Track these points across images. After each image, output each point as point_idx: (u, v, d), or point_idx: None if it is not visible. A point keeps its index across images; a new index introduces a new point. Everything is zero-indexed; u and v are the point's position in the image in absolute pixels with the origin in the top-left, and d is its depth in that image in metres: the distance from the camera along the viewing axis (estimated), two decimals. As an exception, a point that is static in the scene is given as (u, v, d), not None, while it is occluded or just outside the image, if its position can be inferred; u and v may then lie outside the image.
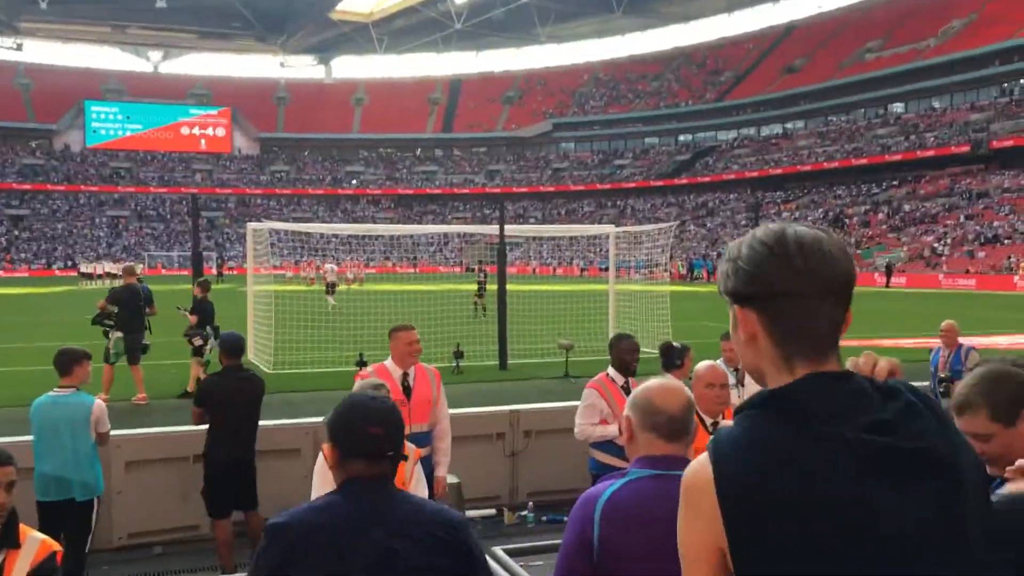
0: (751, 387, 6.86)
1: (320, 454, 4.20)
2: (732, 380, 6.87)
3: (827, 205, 72.09)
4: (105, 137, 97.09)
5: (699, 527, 1.45)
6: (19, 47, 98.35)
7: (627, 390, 6.09)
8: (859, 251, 60.43)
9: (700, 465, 1.47)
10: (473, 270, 57.89)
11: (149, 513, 6.98)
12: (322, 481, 4.12)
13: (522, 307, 19.64)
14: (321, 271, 27.69)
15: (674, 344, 7.23)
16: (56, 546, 3.22)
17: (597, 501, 2.42)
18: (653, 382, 2.61)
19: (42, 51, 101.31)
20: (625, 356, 6.14)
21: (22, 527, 3.21)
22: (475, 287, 27.31)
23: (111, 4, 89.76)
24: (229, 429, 6.31)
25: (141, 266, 46.65)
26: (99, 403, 5.80)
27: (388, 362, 5.74)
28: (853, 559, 1.31)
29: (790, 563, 1.33)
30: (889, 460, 1.34)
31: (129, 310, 12.44)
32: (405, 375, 5.67)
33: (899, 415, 1.38)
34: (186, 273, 14.71)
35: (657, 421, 2.47)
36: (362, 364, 14.54)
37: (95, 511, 5.76)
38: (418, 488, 4.22)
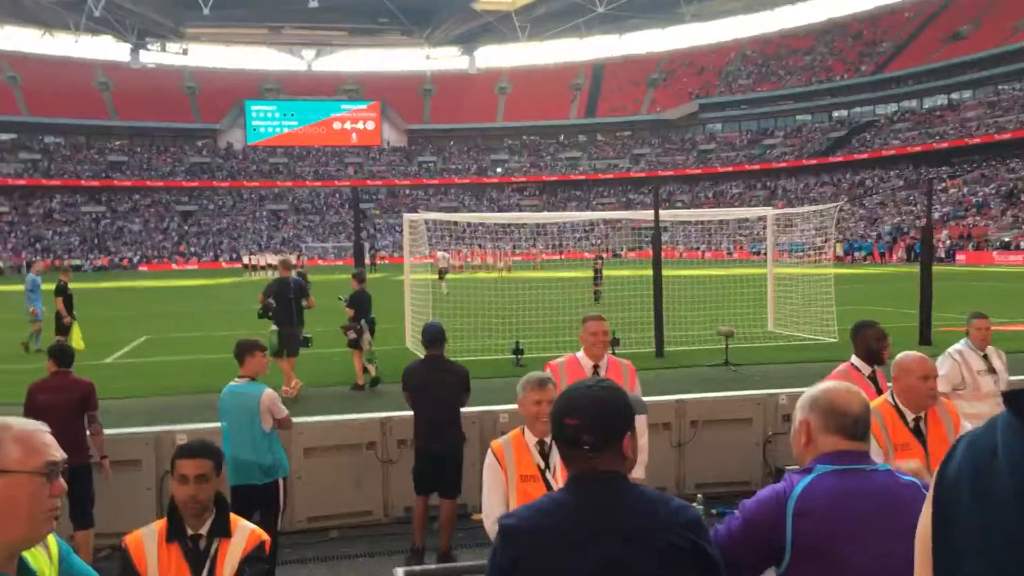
0: (1003, 373, 6.58)
1: (489, 450, 4.19)
2: (982, 366, 6.51)
3: (999, 180, 67.46)
4: (264, 135, 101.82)
5: (923, 516, 1.47)
6: (185, 52, 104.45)
7: (874, 380, 5.65)
8: (1036, 228, 56.32)
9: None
10: (619, 255, 57.43)
11: (326, 497, 7.23)
12: (491, 479, 4.11)
13: (673, 292, 19.27)
14: (433, 258, 28.20)
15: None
16: (264, 536, 3.31)
17: (788, 498, 2.36)
18: (829, 385, 2.62)
19: (205, 55, 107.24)
20: (873, 344, 5.68)
21: (233, 517, 3.33)
22: (591, 274, 27.08)
23: (266, 6, 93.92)
24: (428, 416, 6.57)
25: (299, 257, 48.38)
26: (268, 392, 6.06)
27: (579, 354, 5.66)
28: None
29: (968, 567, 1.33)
30: None
31: (280, 303, 12.63)
32: (596, 367, 5.57)
33: None
34: (344, 263, 15.24)
35: (843, 423, 2.48)
36: (518, 352, 14.65)
37: (281, 492, 6.03)
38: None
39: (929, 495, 1.45)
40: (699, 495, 7.75)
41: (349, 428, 7.49)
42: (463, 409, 6.89)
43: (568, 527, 2.06)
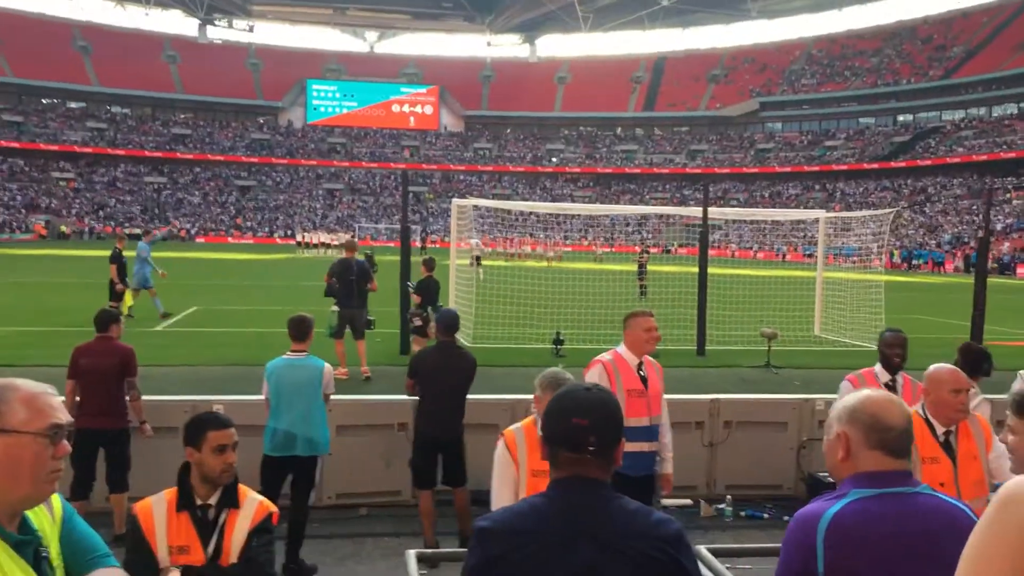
0: None
1: (501, 440, 4.18)
2: None
3: (1067, 193, 65.55)
4: (324, 114, 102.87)
5: (1001, 535, 1.41)
6: (251, 29, 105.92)
7: (892, 389, 5.59)
8: (1103, 245, 54.63)
9: (1018, 479, 1.45)
10: (670, 251, 57.04)
11: (356, 475, 7.32)
12: (501, 470, 4.09)
13: (720, 291, 19.09)
14: (467, 245, 28.02)
15: (980, 348, 6.33)
16: (272, 507, 3.37)
17: (818, 524, 2.22)
18: (869, 394, 2.38)
19: (270, 33, 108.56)
20: (884, 349, 5.66)
21: (241, 487, 3.39)
22: (635, 268, 26.86)
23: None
24: (436, 403, 6.45)
25: (358, 237, 48.57)
26: (328, 367, 6.23)
27: (622, 349, 5.49)
28: None
29: None
30: None
31: (342, 284, 12.63)
32: (640, 364, 5.45)
33: None
34: (394, 245, 15.41)
35: (886, 437, 2.27)
36: (559, 342, 14.66)
37: (319, 468, 6.16)
38: None
39: (1016, 517, 1.39)
40: (728, 496, 7.73)
41: (382, 408, 7.57)
42: (492, 396, 6.89)
43: (547, 532, 2.03)
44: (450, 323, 6.74)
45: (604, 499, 2.08)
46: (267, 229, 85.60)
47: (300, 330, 6.25)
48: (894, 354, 5.61)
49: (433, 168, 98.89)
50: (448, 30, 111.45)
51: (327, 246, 61.92)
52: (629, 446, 5.11)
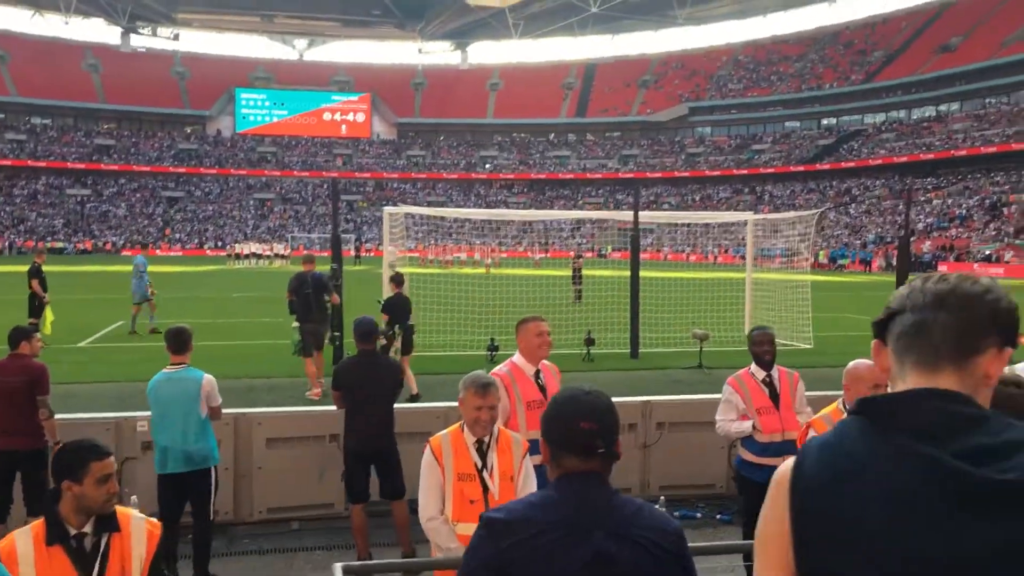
0: None
1: (427, 448, 4.16)
2: None
3: (983, 192, 67.93)
4: (254, 123, 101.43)
5: (774, 519, 1.50)
6: (176, 37, 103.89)
7: (769, 384, 5.80)
8: (1017, 242, 56.71)
9: (788, 462, 1.53)
10: (604, 255, 57.50)
11: (287, 489, 7.19)
12: (428, 477, 4.07)
13: (653, 294, 19.31)
14: (363, 252, 27.88)
15: None
16: (157, 526, 3.23)
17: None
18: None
19: (197, 41, 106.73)
20: (754, 348, 5.86)
21: (119, 509, 3.19)
22: (570, 273, 27.05)
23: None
24: (363, 414, 6.32)
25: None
26: (209, 378, 5.99)
27: (518, 358, 5.33)
28: None
29: (839, 567, 1.37)
30: (971, 490, 1.29)
31: (299, 298, 12.32)
32: (538, 372, 5.31)
33: (1005, 444, 1.31)
34: (326, 254, 15.23)
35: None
36: (494, 348, 14.65)
37: (213, 480, 5.98)
38: (527, 483, 4.11)
39: (781, 498, 1.47)
40: (662, 497, 7.79)
41: (312, 419, 7.46)
42: (424, 404, 6.83)
43: (560, 522, 2.06)
44: (366, 331, 6.61)
45: (610, 493, 2.14)
46: (196, 240, 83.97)
47: (177, 342, 6.03)
48: (763, 351, 5.82)
49: (366, 176, 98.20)
50: (379, 37, 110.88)
51: (259, 257, 60.99)
52: (533, 459, 5.11)
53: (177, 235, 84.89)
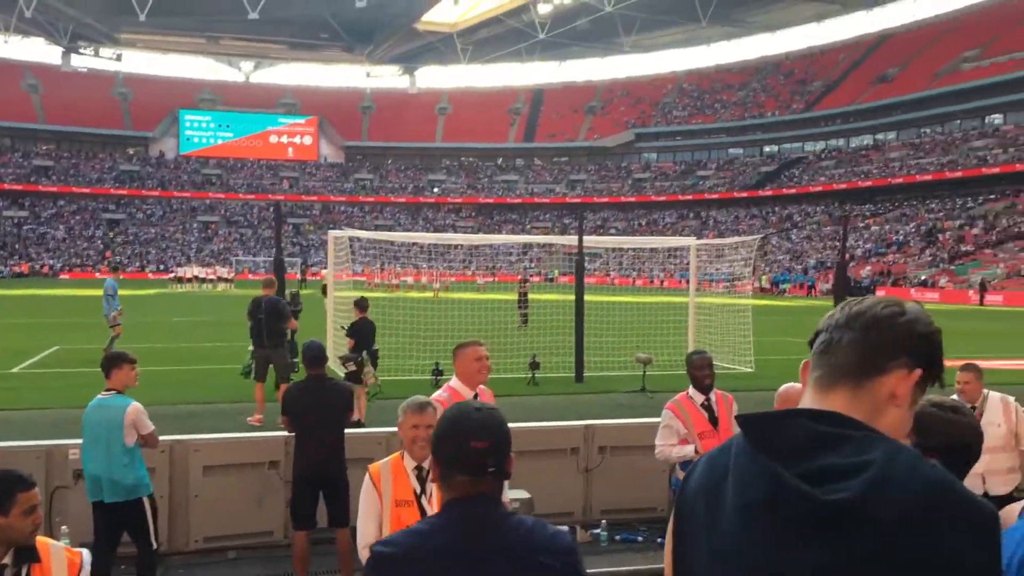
0: (988, 429, 5.86)
1: (367, 475, 4.13)
2: None
3: (919, 219, 69.83)
4: (198, 145, 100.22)
5: (670, 527, 1.59)
6: (118, 58, 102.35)
7: (708, 408, 5.86)
8: (952, 267, 58.32)
9: None
10: (552, 279, 57.75)
11: (225, 517, 7.06)
12: (366, 504, 4.05)
13: (599, 318, 19.45)
14: (321, 276, 27.65)
15: None
16: (78, 555, 3.17)
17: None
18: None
19: (140, 62, 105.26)
20: (694, 372, 5.93)
21: (39, 540, 3.14)
22: (516, 297, 27.14)
23: (205, 16, 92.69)
24: (312, 439, 6.25)
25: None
26: (135, 406, 5.84)
27: (455, 382, 5.31)
28: None
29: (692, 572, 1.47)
30: (802, 510, 1.29)
31: (253, 323, 12.15)
32: (475, 397, 5.27)
33: (853, 464, 1.31)
34: (270, 277, 15.09)
35: None
36: (438, 373, 14.60)
37: (147, 511, 5.84)
38: None
39: (673, 510, 1.55)
40: (603, 520, 7.82)
41: (251, 446, 7.35)
42: (367, 430, 6.77)
43: (446, 550, 2.00)
44: (315, 356, 6.57)
45: (498, 517, 2.08)
46: (138, 264, 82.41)
47: (106, 368, 5.94)
48: (704, 375, 5.91)
49: (313, 199, 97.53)
50: (326, 60, 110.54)
51: (201, 280, 60.05)
52: None
53: (118, 258, 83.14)
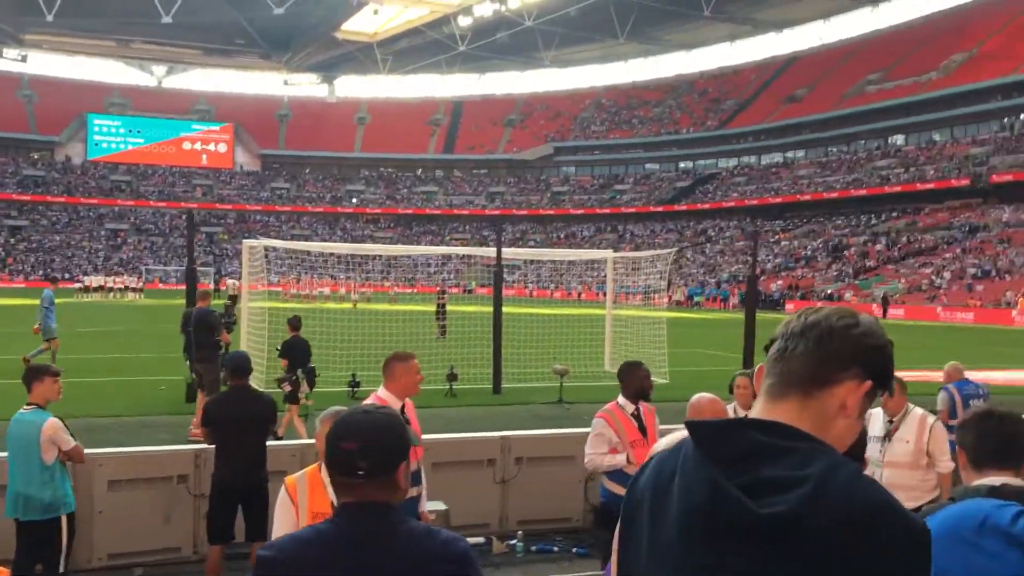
0: (898, 444, 5.93)
1: (283, 487, 4.08)
2: (879, 431, 6.06)
3: (826, 235, 72.17)
4: (107, 150, 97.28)
5: (619, 526, 1.59)
6: (24, 59, 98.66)
7: (637, 418, 5.90)
8: (856, 282, 60.40)
9: None
10: (470, 291, 57.75)
11: (131, 534, 6.85)
12: (281, 516, 4.00)
13: (517, 330, 19.54)
14: (224, 286, 27.32)
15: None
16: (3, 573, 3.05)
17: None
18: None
19: (47, 63, 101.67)
20: (642, 380, 5.96)
21: None
22: (434, 309, 27.15)
23: (116, 18, 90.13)
24: (233, 452, 6.14)
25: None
26: (52, 422, 5.64)
27: (384, 392, 5.29)
28: None
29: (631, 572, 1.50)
30: (735, 521, 1.30)
31: (184, 336, 11.93)
32: (403, 407, 5.26)
33: (792, 478, 1.31)
34: (181, 287, 14.71)
35: None
36: (355, 384, 14.45)
37: (63, 530, 5.65)
38: None
39: (623, 507, 1.57)
40: (520, 531, 7.85)
41: (159, 459, 7.16)
42: (280, 443, 6.66)
43: (330, 559, 1.96)
44: (239, 366, 6.48)
45: (389, 524, 2.03)
46: (42, 272, 79.36)
47: (27, 381, 5.76)
48: (650, 384, 5.99)
49: (227, 208, 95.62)
50: (242, 67, 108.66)
51: (108, 289, 58.18)
52: None
53: (20, 266, 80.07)
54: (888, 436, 5.98)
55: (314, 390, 12.41)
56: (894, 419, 5.97)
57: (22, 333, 26.66)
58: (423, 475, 5.59)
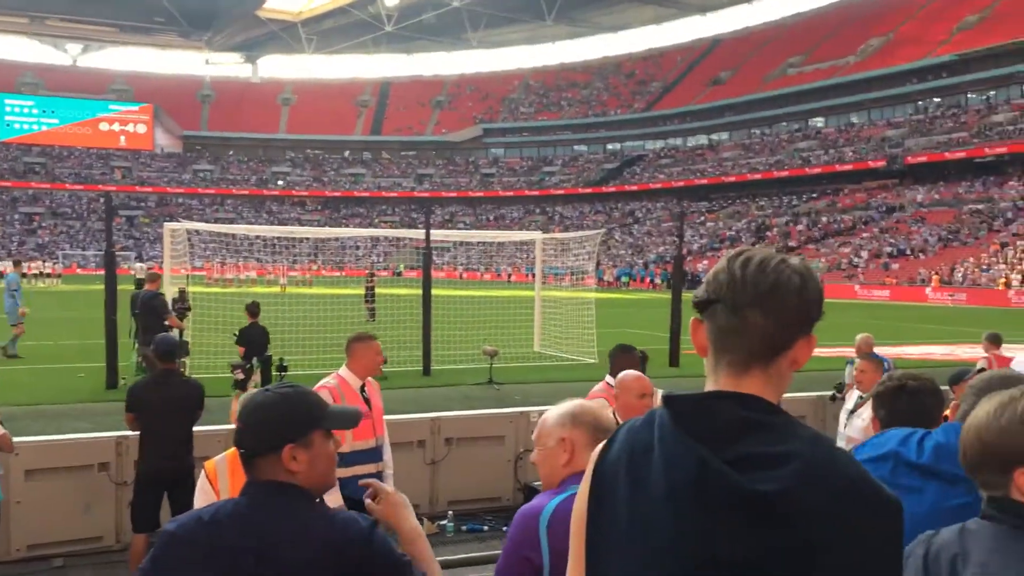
0: (856, 420, 6.16)
1: (203, 471, 4.04)
2: (851, 405, 6.45)
3: (750, 216, 73.64)
4: (20, 131, 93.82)
5: (581, 495, 1.56)
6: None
7: None
8: (780, 261, 61.79)
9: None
10: (400, 274, 57.43)
11: (50, 523, 6.68)
12: (202, 499, 3.96)
13: (447, 312, 19.53)
14: (129, 271, 26.70)
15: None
16: None
17: (540, 517, 2.37)
18: (583, 402, 2.63)
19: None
20: (639, 368, 5.93)
21: None
22: (363, 292, 26.97)
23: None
24: (160, 437, 6.02)
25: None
26: None
27: (346, 372, 5.46)
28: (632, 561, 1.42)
29: (602, 548, 1.48)
30: (727, 497, 1.31)
31: (132, 319, 11.80)
32: (363, 386, 5.43)
33: (779, 454, 1.33)
34: (100, 272, 14.31)
35: (605, 436, 2.49)
36: (282, 368, 14.24)
37: None
38: None
39: (587, 478, 1.55)
40: (450, 512, 7.89)
41: (79, 448, 6.98)
42: (206, 428, 6.55)
43: (222, 537, 1.94)
44: (168, 349, 6.34)
45: (284, 503, 1.99)
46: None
47: None
48: (645, 370, 6.02)
49: (148, 191, 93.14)
50: (161, 45, 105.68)
51: (24, 276, 56.21)
52: (357, 469, 5.12)
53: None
54: (854, 411, 6.32)
55: (223, 375, 12.20)
56: (863, 396, 6.13)
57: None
58: (386, 452, 5.61)
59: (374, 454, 5.41)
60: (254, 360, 11.44)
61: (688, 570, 1.32)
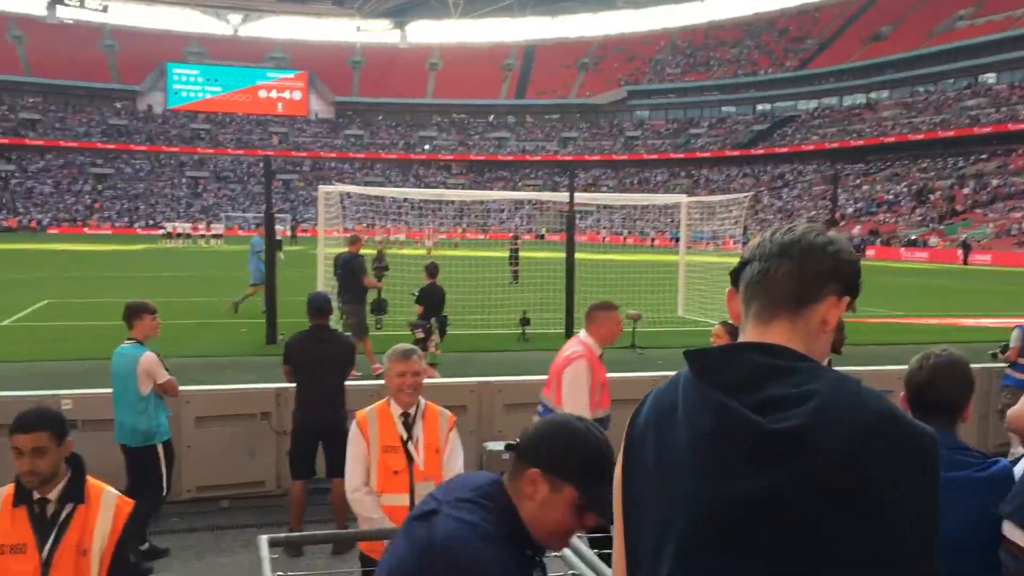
0: None
1: (354, 421, 4.20)
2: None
3: (911, 178, 69.84)
4: (186, 99, 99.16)
5: (618, 462, 1.58)
6: (105, 9, 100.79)
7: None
8: (942, 227, 58.48)
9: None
10: (543, 237, 57.68)
11: (217, 468, 7.13)
12: (353, 449, 4.12)
13: (590, 276, 19.49)
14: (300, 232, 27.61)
15: None
16: (128, 503, 3.19)
17: None
18: None
19: (126, 14, 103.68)
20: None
21: (91, 482, 3.15)
22: (507, 254, 27.11)
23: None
24: (312, 390, 6.33)
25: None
26: (148, 355, 6.02)
27: (586, 337, 5.43)
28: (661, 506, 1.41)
29: (635, 504, 1.50)
30: (751, 439, 1.30)
31: (336, 279, 12.48)
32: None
33: (800, 394, 1.32)
34: (261, 233, 15.04)
35: None
36: (443, 329, 14.56)
37: (160, 458, 6.05)
38: (452, 456, 4.13)
39: (622, 445, 1.56)
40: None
41: (242, 398, 7.40)
42: (357, 383, 6.80)
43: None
44: (320, 307, 6.63)
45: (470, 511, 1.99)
46: (126, 219, 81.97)
47: (128, 318, 6.18)
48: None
49: (303, 155, 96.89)
50: (316, 14, 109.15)
51: (187, 236, 59.79)
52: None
53: (106, 213, 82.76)
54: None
55: (387, 333, 12.61)
56: None
57: (109, 277, 27.69)
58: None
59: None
60: (432, 320, 11.68)
61: (712, 512, 1.32)
